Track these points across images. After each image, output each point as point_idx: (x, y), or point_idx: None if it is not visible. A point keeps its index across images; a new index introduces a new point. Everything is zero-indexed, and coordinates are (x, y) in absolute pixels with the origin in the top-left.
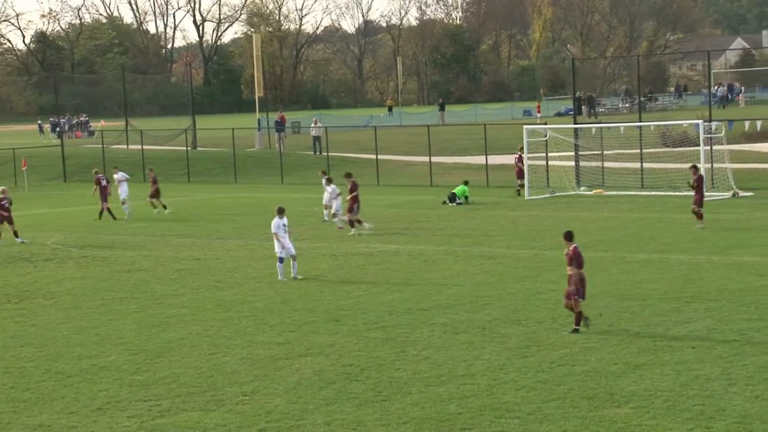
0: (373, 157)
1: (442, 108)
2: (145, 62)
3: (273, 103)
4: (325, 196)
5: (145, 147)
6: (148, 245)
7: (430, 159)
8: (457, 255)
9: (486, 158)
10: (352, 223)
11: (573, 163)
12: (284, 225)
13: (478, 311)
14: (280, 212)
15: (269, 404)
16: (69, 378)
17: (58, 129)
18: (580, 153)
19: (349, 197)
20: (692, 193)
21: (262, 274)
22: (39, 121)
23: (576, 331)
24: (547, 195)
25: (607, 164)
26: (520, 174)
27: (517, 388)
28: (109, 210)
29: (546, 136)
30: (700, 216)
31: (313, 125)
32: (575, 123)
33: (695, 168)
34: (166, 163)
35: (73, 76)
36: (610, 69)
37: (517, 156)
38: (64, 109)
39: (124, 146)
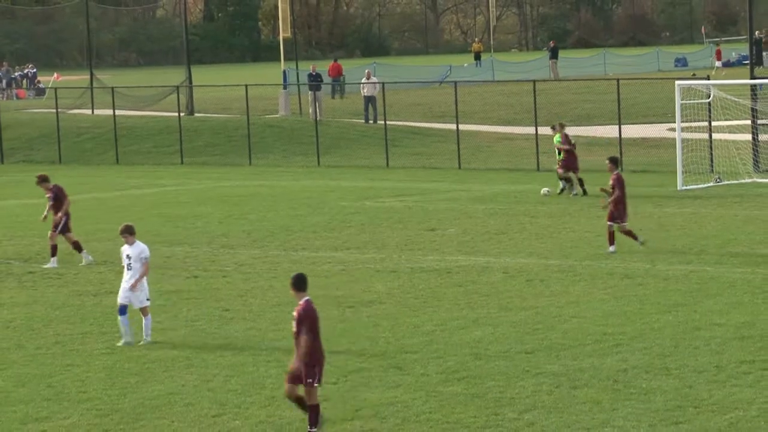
0: (453, 127)
1: (553, 55)
2: None
3: (306, 47)
4: None
5: (119, 112)
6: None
7: (536, 130)
8: (576, 272)
9: (620, 129)
10: (78, 246)
11: (749, 137)
12: (128, 256)
13: (606, 355)
14: (124, 232)
15: None
16: None
17: None
18: (759, 122)
19: (61, 212)
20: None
21: (290, 300)
22: None
23: None
24: (711, 184)
25: None
26: (569, 164)
27: None
28: None
29: (709, 97)
30: (615, 235)
31: (365, 80)
32: (753, 77)
33: (614, 162)
34: (150, 137)
35: (13, 8)
36: None
37: (562, 135)
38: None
39: (89, 111)
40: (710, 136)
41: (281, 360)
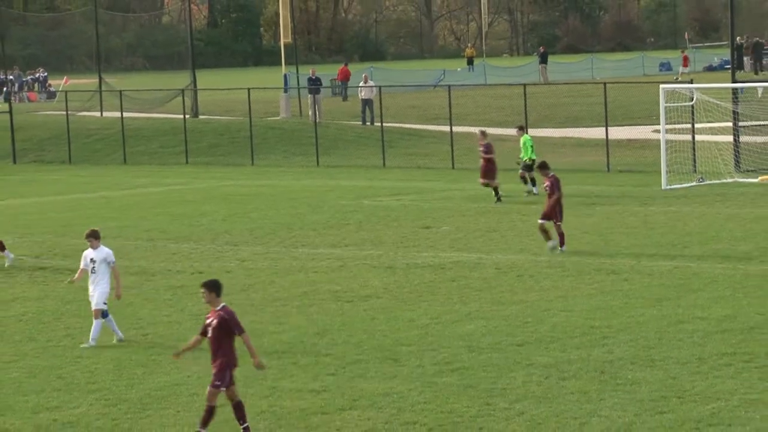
0: (447, 128)
1: (543, 60)
2: None
3: (306, 52)
4: None
5: (126, 114)
6: (130, 252)
7: (527, 132)
8: (565, 268)
9: (606, 131)
10: None
11: (730, 138)
12: (92, 259)
13: (594, 347)
14: (90, 237)
15: None
16: None
17: (5, 89)
18: (740, 124)
19: None
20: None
21: (290, 295)
22: None
23: None
24: (694, 183)
25: None
26: (488, 172)
27: None
28: None
29: (692, 99)
30: (545, 231)
31: (362, 84)
32: (734, 81)
33: (545, 168)
34: (156, 138)
35: (25, 14)
36: None
37: (483, 145)
38: (11, 62)
39: (97, 113)
40: (693, 137)
41: (284, 354)
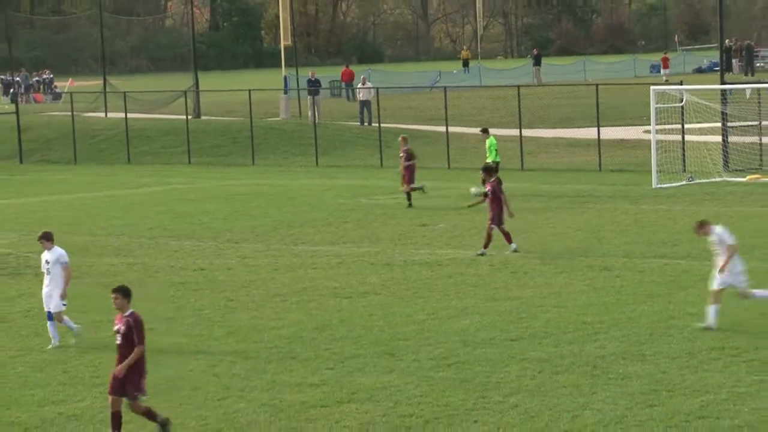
0: (442, 129)
1: (537, 62)
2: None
3: (305, 54)
4: None
5: (130, 115)
6: (134, 250)
7: (520, 132)
8: (557, 265)
9: (598, 131)
10: None
11: (719, 139)
12: (47, 261)
13: (586, 342)
14: (42, 239)
15: None
16: (26, 431)
17: (12, 90)
18: (729, 124)
19: None
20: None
21: (290, 291)
22: None
23: None
24: (684, 182)
25: (766, 140)
26: (410, 177)
27: None
28: None
29: (682, 101)
30: (506, 236)
31: (360, 86)
32: (723, 82)
33: (487, 171)
34: (160, 138)
35: (32, 18)
36: None
37: (404, 151)
38: (18, 64)
39: (102, 114)
40: (683, 137)
41: (284, 349)
